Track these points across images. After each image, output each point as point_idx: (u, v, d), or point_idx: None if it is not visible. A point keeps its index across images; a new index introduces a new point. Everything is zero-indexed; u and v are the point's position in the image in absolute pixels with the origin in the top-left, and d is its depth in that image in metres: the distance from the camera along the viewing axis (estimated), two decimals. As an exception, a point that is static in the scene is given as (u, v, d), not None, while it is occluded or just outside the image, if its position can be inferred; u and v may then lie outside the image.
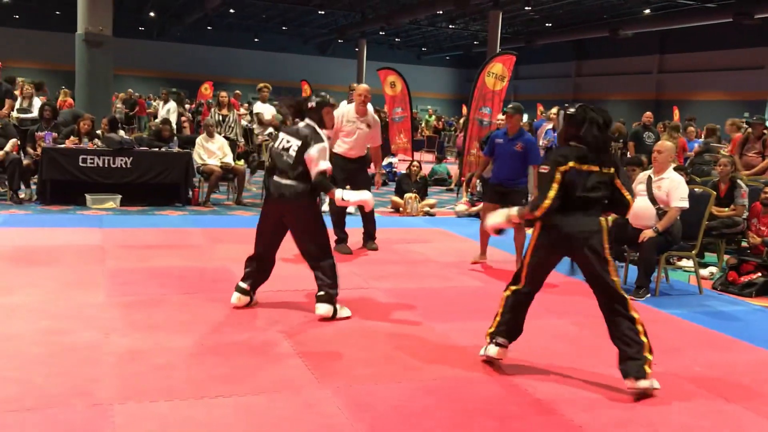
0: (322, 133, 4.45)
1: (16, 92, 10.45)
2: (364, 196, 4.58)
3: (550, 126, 10.12)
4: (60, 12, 28.36)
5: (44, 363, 3.50)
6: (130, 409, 3.06)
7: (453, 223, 8.82)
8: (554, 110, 10.00)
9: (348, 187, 7.32)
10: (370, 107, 6.74)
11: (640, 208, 5.64)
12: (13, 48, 28.74)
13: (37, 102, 10.39)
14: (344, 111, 6.70)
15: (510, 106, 6.33)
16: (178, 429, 2.91)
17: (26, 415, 2.94)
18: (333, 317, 4.46)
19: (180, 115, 14.08)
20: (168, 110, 13.27)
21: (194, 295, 4.89)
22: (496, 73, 10.43)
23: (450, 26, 29.71)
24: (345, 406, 3.22)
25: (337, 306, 4.51)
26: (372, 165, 7.52)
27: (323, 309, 4.46)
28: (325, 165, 4.36)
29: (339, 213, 6.69)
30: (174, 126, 12.23)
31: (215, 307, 4.61)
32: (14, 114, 9.82)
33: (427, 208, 9.52)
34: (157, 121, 11.50)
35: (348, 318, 4.52)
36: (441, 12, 25.51)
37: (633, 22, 25.76)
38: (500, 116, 10.42)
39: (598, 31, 27.30)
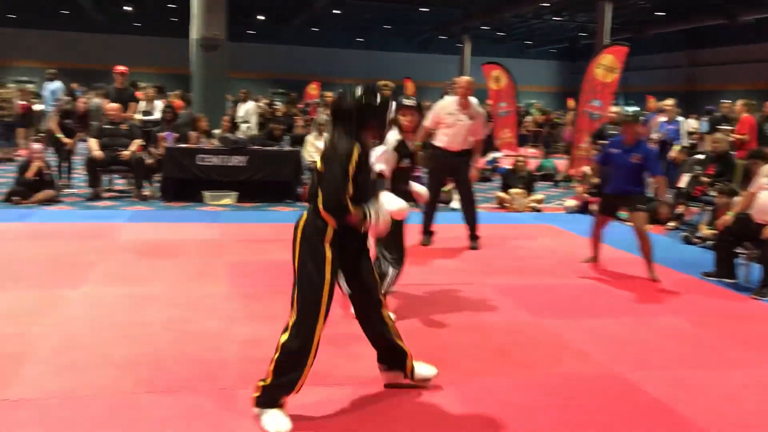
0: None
1: (140, 96, 11.09)
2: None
3: (664, 118, 9.73)
4: (176, 19, 29.84)
5: (174, 349, 3.74)
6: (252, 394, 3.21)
7: (562, 219, 8.65)
8: (669, 102, 9.60)
9: (450, 181, 7.26)
10: (473, 99, 6.62)
11: (765, 203, 5.36)
12: (134, 54, 30.49)
13: (159, 105, 11.01)
14: (444, 103, 6.64)
15: (628, 113, 6.05)
16: (295, 413, 3.02)
17: (159, 397, 3.15)
18: None
19: (293, 115, 14.38)
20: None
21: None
22: (607, 65, 10.14)
23: (555, 18, 29.02)
24: (458, 399, 3.25)
25: None
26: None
27: None
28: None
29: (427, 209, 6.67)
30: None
31: (335, 298, 4.74)
32: (138, 116, 10.44)
33: (534, 204, 9.38)
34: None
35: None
36: (546, 4, 24.97)
37: (753, 6, 24.24)
38: (613, 108, 10.15)
39: (713, 18, 25.87)
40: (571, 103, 14.72)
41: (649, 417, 3.15)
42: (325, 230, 2.93)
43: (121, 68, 10.18)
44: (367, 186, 2.98)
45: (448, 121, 6.50)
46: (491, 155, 14.37)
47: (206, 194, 8.81)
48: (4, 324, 4.04)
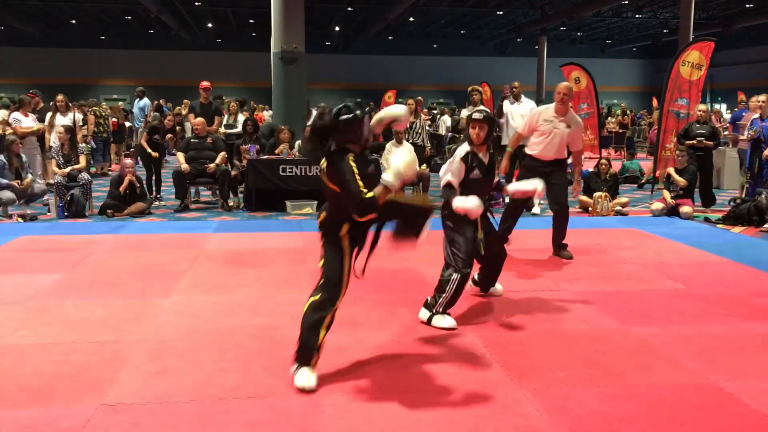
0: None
1: (223, 110, 11.45)
2: None
3: (756, 115, 9.28)
4: (256, 33, 30.69)
5: (260, 356, 3.83)
6: (337, 400, 3.26)
7: (648, 223, 8.37)
8: (762, 97, 9.16)
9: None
10: (571, 108, 6.34)
11: None
12: (216, 69, 31.56)
13: (241, 118, 11.33)
14: (541, 110, 6.39)
15: None
16: (382, 421, 3.04)
17: (248, 403, 3.24)
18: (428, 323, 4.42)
19: None
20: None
21: (388, 294, 5.09)
22: (692, 62, 9.77)
23: (637, 15, 28.19)
24: (543, 408, 3.19)
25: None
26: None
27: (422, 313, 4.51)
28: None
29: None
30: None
31: (408, 306, 4.76)
32: (221, 129, 10.78)
33: (618, 207, 9.13)
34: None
35: (451, 329, 4.32)
36: (626, 1, 24.31)
37: None
38: (700, 107, 9.76)
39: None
40: (655, 102, 14.25)
41: (751, 429, 3.01)
42: (341, 225, 3.40)
43: (205, 84, 10.54)
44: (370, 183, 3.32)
45: (544, 128, 6.24)
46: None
47: (288, 204, 9.01)
48: (101, 331, 4.24)
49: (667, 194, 8.93)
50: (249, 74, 31.65)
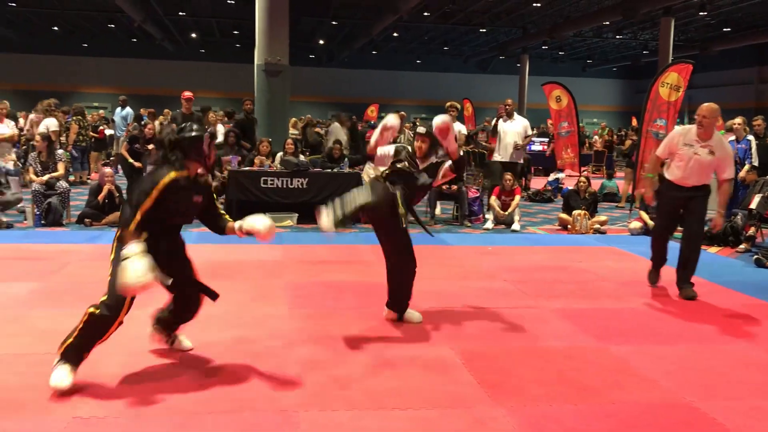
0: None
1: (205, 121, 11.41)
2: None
3: (733, 137, 9.43)
4: (240, 45, 30.65)
5: (235, 369, 3.79)
6: (313, 416, 3.23)
7: (626, 241, 8.44)
8: (738, 120, 9.31)
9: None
10: (717, 133, 5.67)
11: None
12: (199, 79, 31.45)
13: (222, 129, 11.29)
14: (683, 132, 5.74)
15: None
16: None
17: (222, 417, 3.20)
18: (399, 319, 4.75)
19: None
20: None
21: (367, 309, 5.07)
22: (671, 84, 9.90)
23: (617, 36, 28.58)
24: (519, 425, 3.19)
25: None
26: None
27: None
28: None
29: None
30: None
31: (387, 321, 4.75)
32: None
33: (597, 226, 9.20)
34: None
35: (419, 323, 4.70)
36: (607, 23, 24.63)
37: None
38: (677, 128, 9.88)
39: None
40: (634, 121, 14.43)
41: (722, 449, 3.03)
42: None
43: (187, 94, 10.50)
44: (187, 208, 3.66)
45: (684, 153, 5.61)
46: (553, 175, 14.22)
47: (268, 216, 8.94)
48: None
49: (644, 215, 9.01)
50: (233, 86, 31.58)
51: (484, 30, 27.11)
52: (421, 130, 4.77)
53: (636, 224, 9.09)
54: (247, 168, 9.34)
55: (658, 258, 6.00)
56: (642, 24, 25.91)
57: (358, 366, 3.89)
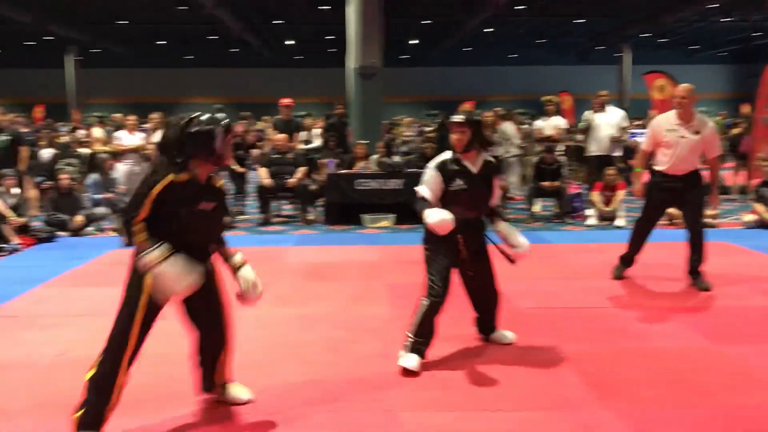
0: None
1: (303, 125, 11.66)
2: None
3: None
4: (335, 49, 31.20)
5: (337, 369, 3.85)
6: (417, 417, 3.24)
7: (739, 236, 7.99)
8: None
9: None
10: (697, 111, 5.56)
11: None
12: (297, 85, 32.24)
13: (316, 132, 11.52)
14: (662, 119, 5.65)
15: None
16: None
17: (324, 416, 3.26)
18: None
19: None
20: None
21: (465, 309, 5.02)
22: (787, 66, 9.30)
23: (726, 19, 27.08)
24: (628, 430, 3.08)
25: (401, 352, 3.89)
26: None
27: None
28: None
29: None
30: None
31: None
32: (300, 145, 10.98)
33: (708, 219, 8.74)
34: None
35: (409, 369, 3.77)
36: (715, 5, 23.39)
37: None
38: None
39: None
40: (746, 109, 13.63)
41: None
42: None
43: (286, 101, 10.75)
44: (196, 219, 2.98)
45: (669, 139, 5.46)
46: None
47: (365, 217, 9.08)
48: (183, 344, 4.36)
49: (760, 207, 8.49)
50: (328, 90, 32.16)
51: (581, 20, 26.40)
52: (457, 118, 3.89)
53: (750, 217, 8.58)
54: (344, 171, 9.50)
55: (634, 251, 5.85)
56: (754, 4, 24.45)
57: (460, 366, 3.86)
